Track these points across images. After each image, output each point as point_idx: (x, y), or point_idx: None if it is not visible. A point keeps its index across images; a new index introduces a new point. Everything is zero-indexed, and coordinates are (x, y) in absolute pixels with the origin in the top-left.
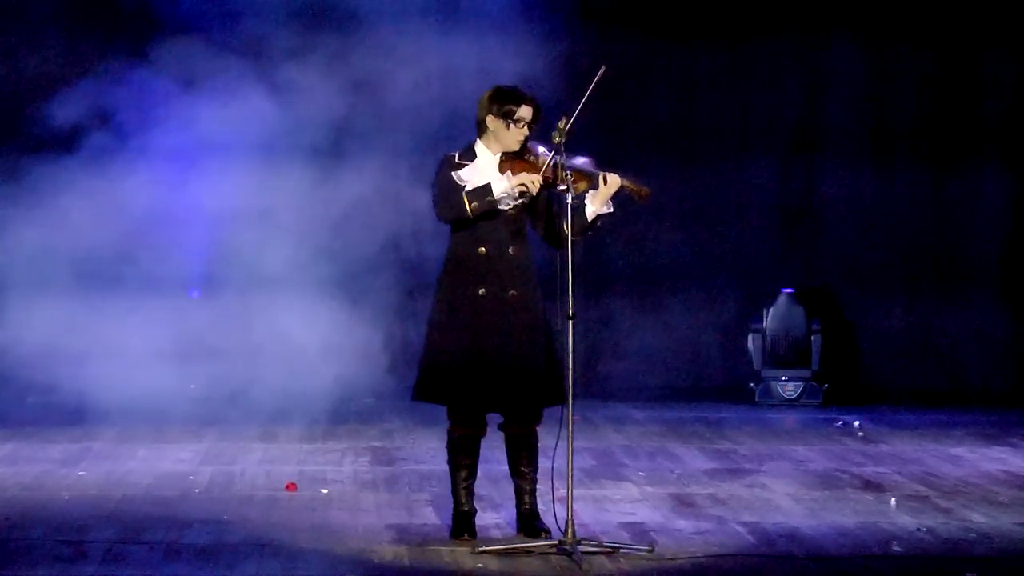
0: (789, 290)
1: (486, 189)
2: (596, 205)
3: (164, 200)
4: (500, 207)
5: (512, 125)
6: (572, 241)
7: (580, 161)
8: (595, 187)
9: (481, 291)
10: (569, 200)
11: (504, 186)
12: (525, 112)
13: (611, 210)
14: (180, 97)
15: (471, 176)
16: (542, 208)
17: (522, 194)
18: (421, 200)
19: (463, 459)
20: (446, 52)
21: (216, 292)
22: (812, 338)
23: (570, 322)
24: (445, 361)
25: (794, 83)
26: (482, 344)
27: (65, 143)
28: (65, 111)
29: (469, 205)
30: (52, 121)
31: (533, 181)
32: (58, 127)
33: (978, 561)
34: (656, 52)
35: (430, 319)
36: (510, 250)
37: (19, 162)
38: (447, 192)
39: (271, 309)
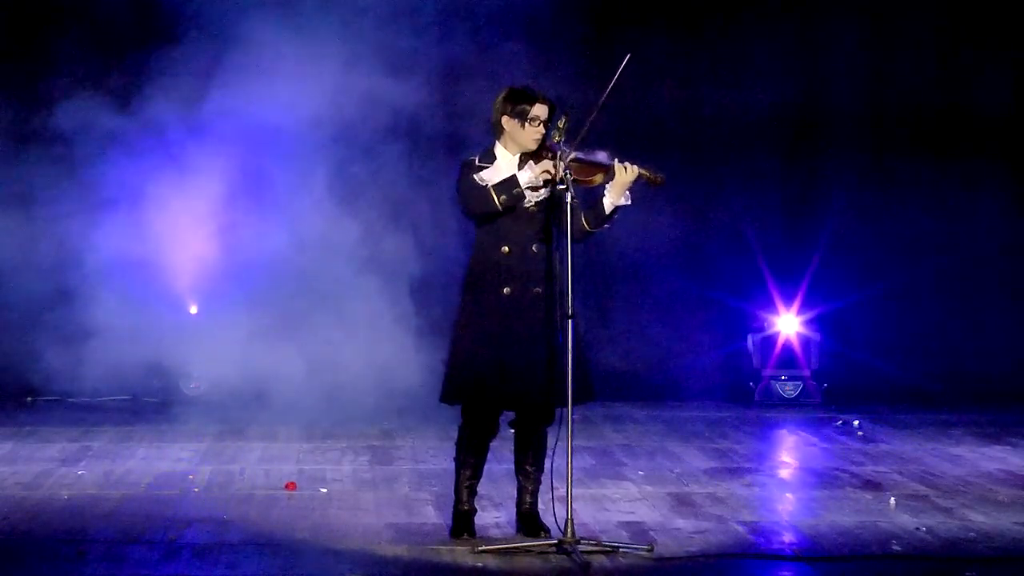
0: (789, 304)
1: (512, 181)
2: (614, 196)
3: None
4: (526, 200)
5: (527, 124)
6: (588, 234)
7: (600, 155)
8: (611, 178)
9: (505, 290)
10: (568, 199)
11: (529, 175)
12: (539, 111)
13: (629, 201)
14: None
15: (491, 177)
16: (558, 201)
17: (547, 182)
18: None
19: (470, 458)
20: (449, 57)
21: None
22: (812, 338)
23: (570, 322)
24: (470, 363)
25: (796, 81)
26: (505, 344)
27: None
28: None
29: (498, 198)
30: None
31: (556, 166)
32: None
33: (978, 561)
34: (657, 47)
35: (456, 320)
36: (533, 248)
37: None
38: (473, 190)
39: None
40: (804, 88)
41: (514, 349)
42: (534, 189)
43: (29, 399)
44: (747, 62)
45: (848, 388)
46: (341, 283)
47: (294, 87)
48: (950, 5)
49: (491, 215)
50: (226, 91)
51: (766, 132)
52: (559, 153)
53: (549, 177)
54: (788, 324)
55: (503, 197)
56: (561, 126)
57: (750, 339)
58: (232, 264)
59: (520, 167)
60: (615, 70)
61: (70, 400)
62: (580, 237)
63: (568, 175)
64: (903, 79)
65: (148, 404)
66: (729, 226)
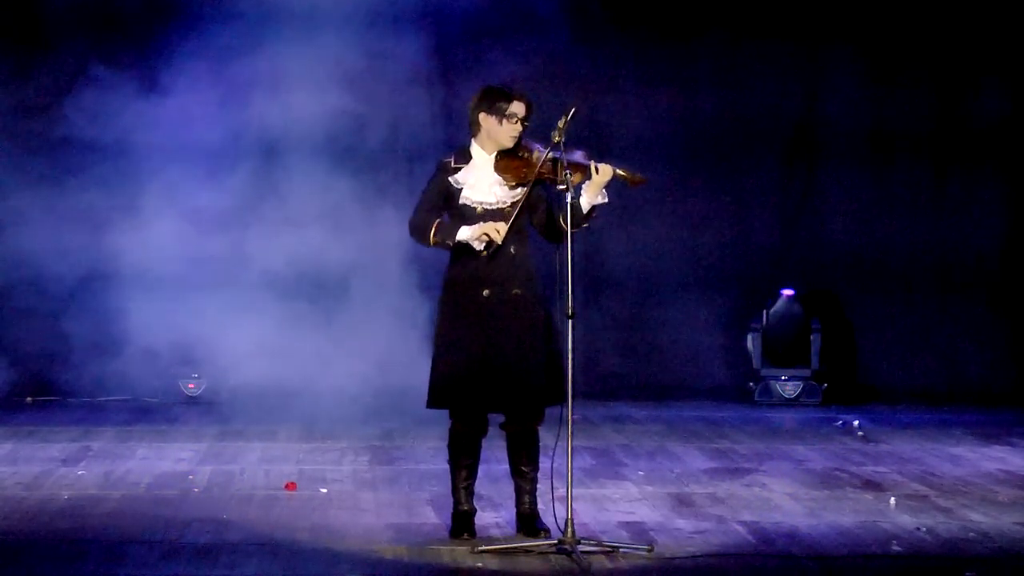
0: (789, 291)
1: (453, 233)
2: (590, 196)
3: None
4: (501, 203)
5: (505, 121)
6: (570, 235)
7: (576, 154)
8: (588, 178)
9: (485, 292)
10: (569, 200)
11: (467, 234)
12: (517, 108)
13: (606, 200)
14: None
15: (466, 178)
16: (535, 201)
17: (487, 244)
18: None
19: (464, 458)
20: (446, 58)
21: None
22: (812, 338)
23: (570, 321)
24: (452, 365)
25: (794, 83)
26: (487, 345)
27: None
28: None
29: (432, 238)
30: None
31: (498, 230)
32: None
33: (978, 561)
34: (656, 52)
35: (436, 323)
36: (511, 248)
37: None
38: (422, 211)
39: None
40: (804, 91)
41: (495, 350)
42: (477, 242)
43: (29, 399)
44: (747, 66)
45: (848, 388)
46: (343, 281)
47: (308, 85)
48: (949, 13)
49: (420, 242)
50: (243, 85)
51: (766, 134)
52: (535, 153)
53: (488, 240)
54: (788, 324)
55: (437, 238)
56: (561, 126)
57: (750, 339)
58: (236, 263)
59: (496, 165)
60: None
61: (70, 400)
62: (561, 239)
63: (568, 175)
64: (901, 85)
65: (148, 404)
66: (729, 226)
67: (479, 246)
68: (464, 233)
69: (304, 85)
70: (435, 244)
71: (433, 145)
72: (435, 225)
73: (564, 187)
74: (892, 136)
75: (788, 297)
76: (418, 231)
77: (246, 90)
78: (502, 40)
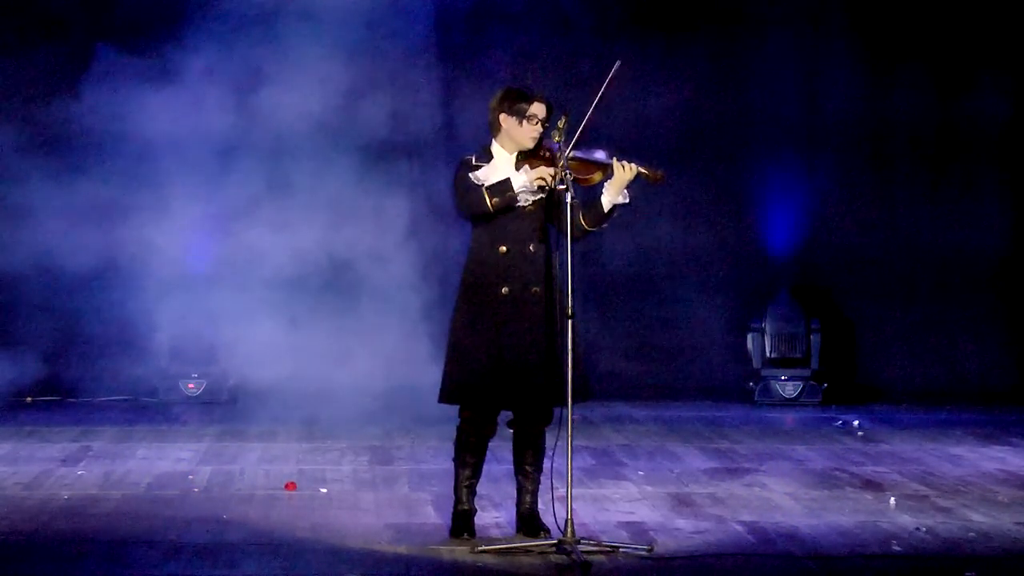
0: (788, 292)
1: (506, 184)
2: (612, 195)
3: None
4: (519, 202)
5: (525, 122)
6: (587, 232)
7: (598, 153)
8: (610, 176)
9: (504, 290)
10: (568, 200)
11: (523, 180)
12: (537, 109)
13: (627, 200)
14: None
15: (487, 176)
16: (557, 200)
17: (541, 188)
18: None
19: (469, 457)
20: (449, 59)
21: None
22: (811, 337)
23: (570, 321)
24: (467, 362)
25: (795, 82)
26: (504, 344)
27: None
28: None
29: (490, 201)
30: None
31: (552, 175)
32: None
33: (978, 561)
34: (656, 51)
35: (453, 320)
36: (531, 247)
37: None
38: (467, 190)
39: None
40: (804, 89)
41: (513, 349)
42: (530, 193)
43: (29, 399)
44: (746, 64)
45: (848, 388)
46: (344, 280)
47: (308, 86)
48: (949, 14)
49: (483, 217)
50: (249, 76)
51: (766, 133)
52: (557, 154)
53: (543, 184)
54: (788, 324)
55: (495, 200)
56: (561, 126)
57: (750, 339)
58: (236, 263)
59: (517, 166)
60: (617, 72)
61: (70, 400)
62: (579, 236)
63: (568, 175)
64: (901, 84)
65: (148, 404)
66: (729, 226)
67: (527, 199)
68: (519, 179)
69: (309, 78)
70: (496, 207)
71: (435, 136)
72: (486, 191)
73: (564, 187)
74: (892, 135)
75: (788, 295)
76: (474, 204)
77: (251, 82)
78: (503, 31)
